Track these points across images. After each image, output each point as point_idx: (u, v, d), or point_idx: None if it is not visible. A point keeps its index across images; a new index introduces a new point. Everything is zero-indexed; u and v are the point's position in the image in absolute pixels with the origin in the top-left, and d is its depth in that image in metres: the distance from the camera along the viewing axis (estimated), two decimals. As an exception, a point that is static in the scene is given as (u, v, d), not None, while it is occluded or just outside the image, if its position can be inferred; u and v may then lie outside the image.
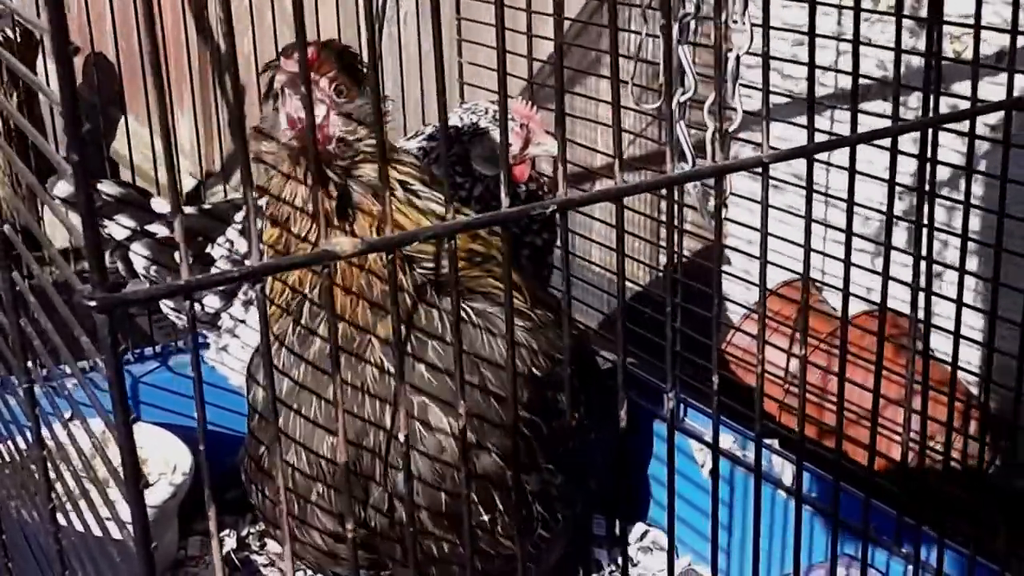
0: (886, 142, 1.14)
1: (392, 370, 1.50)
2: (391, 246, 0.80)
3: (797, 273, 2.12)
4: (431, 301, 1.50)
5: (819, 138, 0.98)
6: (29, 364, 1.15)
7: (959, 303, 1.54)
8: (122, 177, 4.43)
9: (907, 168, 1.49)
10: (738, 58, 1.23)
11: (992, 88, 1.82)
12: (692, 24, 1.22)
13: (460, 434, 0.92)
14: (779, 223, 1.78)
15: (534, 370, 1.57)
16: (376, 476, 1.54)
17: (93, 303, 0.73)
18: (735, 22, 1.21)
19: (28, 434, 1.31)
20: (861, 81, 1.68)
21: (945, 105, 1.39)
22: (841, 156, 1.94)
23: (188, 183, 4.18)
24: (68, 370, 1.29)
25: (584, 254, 2.57)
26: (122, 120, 3.07)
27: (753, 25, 1.28)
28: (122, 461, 0.74)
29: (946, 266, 1.67)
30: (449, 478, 1.52)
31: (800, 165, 0.96)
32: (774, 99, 1.91)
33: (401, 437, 0.86)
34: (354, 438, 1.51)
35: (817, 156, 1.00)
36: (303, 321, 1.50)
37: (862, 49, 1.07)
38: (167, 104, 0.81)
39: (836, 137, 2.04)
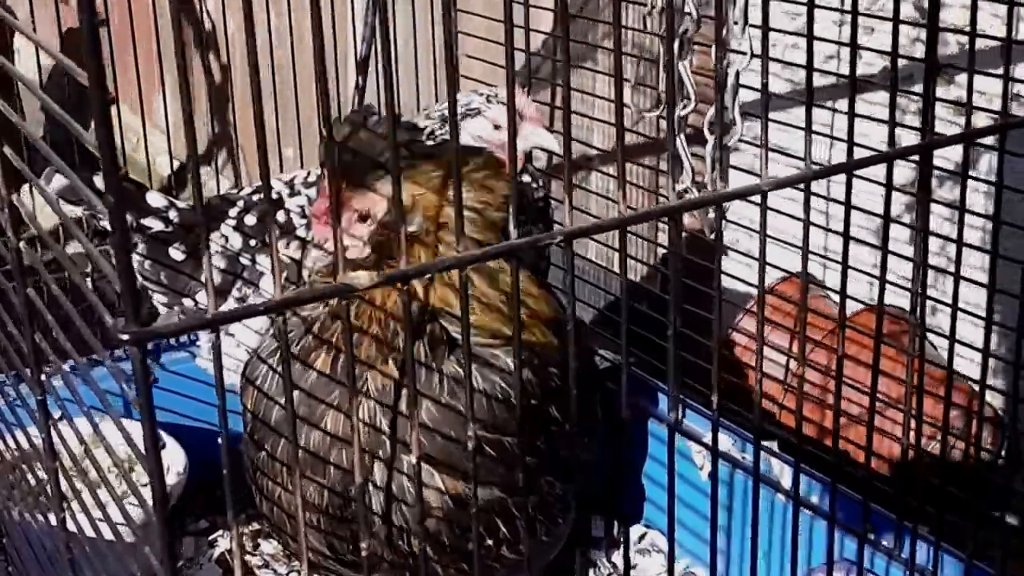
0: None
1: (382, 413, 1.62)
2: (406, 278, 0.88)
3: (791, 273, 2.20)
4: (429, 363, 1.60)
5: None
6: (43, 377, 1.23)
7: (955, 307, 1.63)
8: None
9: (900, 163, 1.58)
10: (737, 73, 1.31)
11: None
12: (691, 38, 1.30)
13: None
14: (776, 215, 1.85)
15: (532, 400, 1.66)
16: (368, 514, 1.64)
17: (127, 337, 0.81)
18: (735, 39, 1.28)
19: (34, 437, 1.40)
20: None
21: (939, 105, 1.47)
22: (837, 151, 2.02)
23: (172, 165, 4.26)
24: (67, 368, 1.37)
25: (579, 249, 2.65)
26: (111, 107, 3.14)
27: (754, 34, 1.35)
28: (152, 489, 0.83)
29: (941, 271, 1.75)
30: (447, 526, 1.63)
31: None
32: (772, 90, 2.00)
33: (413, 459, 0.94)
34: (340, 480, 1.63)
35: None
36: (301, 347, 1.62)
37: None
38: (190, 111, 0.89)
39: (831, 139, 2.14)
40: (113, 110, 2.58)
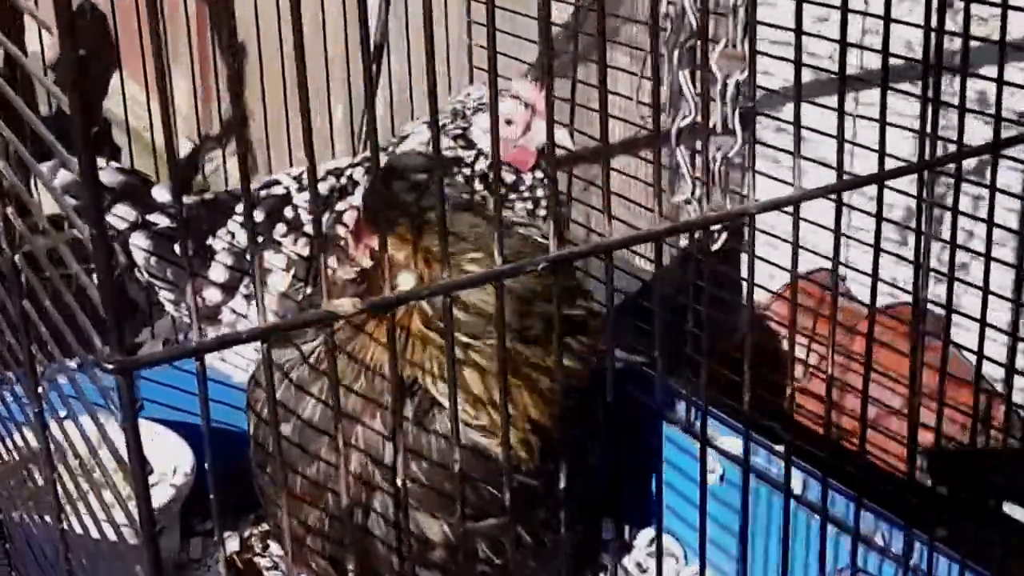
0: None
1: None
2: (390, 306, 0.93)
3: (819, 256, 2.23)
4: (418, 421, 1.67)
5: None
6: (39, 389, 1.28)
7: (949, 309, 1.66)
8: (115, 139, 4.54)
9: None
10: (737, 84, 1.34)
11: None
12: (691, 47, 1.33)
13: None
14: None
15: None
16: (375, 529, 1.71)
17: (111, 366, 0.86)
18: (734, 47, 1.32)
19: (31, 440, 1.46)
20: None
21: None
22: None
23: (184, 147, 4.28)
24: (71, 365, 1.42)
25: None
26: (115, 77, 3.15)
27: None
28: (139, 510, 0.88)
29: (942, 275, 1.78)
30: (451, 554, 1.71)
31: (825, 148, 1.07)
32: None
33: (399, 482, 0.99)
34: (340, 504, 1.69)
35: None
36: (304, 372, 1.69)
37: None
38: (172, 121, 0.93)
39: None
40: (117, 82, 2.59)
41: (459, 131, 2.29)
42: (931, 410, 1.89)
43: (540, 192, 2.33)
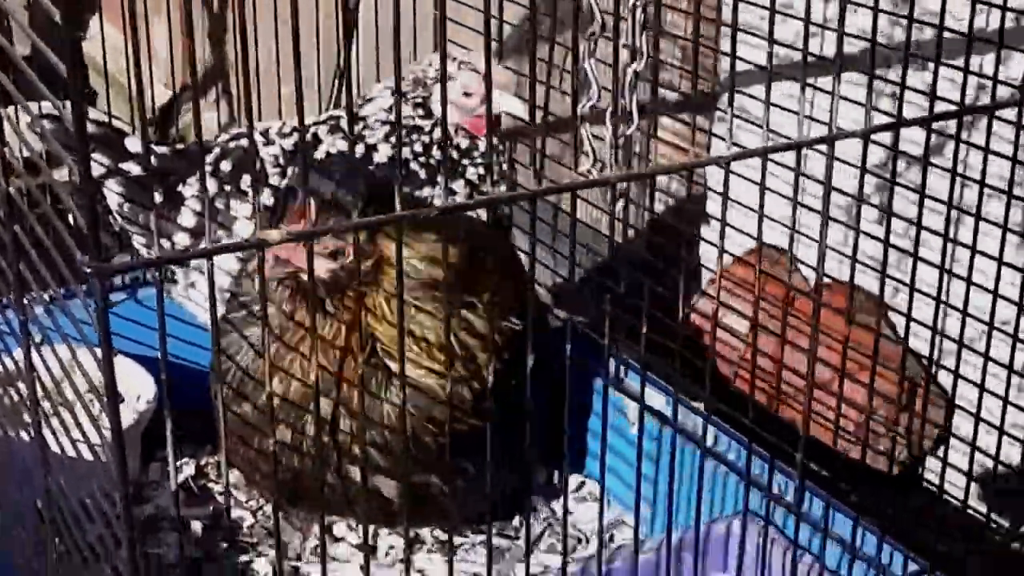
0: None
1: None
2: (313, 236, 1.26)
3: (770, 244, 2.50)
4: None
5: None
6: (25, 301, 1.60)
7: (913, 292, 1.97)
8: (92, 83, 4.80)
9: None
10: (636, 73, 1.67)
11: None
12: (597, 39, 1.65)
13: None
14: (754, 184, 2.18)
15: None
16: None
17: (90, 270, 1.19)
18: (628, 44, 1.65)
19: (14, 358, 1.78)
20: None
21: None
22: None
23: (161, 95, 4.54)
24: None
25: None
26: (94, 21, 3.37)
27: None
28: (107, 409, 1.20)
29: (848, 256, 2.10)
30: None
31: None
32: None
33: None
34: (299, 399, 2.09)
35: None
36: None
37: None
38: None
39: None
40: (97, 27, 2.87)
41: (420, 100, 2.60)
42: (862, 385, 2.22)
43: (493, 158, 2.66)
